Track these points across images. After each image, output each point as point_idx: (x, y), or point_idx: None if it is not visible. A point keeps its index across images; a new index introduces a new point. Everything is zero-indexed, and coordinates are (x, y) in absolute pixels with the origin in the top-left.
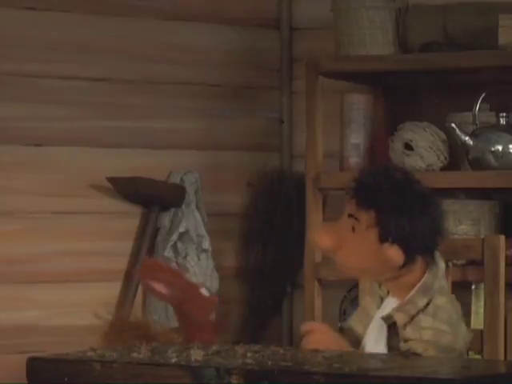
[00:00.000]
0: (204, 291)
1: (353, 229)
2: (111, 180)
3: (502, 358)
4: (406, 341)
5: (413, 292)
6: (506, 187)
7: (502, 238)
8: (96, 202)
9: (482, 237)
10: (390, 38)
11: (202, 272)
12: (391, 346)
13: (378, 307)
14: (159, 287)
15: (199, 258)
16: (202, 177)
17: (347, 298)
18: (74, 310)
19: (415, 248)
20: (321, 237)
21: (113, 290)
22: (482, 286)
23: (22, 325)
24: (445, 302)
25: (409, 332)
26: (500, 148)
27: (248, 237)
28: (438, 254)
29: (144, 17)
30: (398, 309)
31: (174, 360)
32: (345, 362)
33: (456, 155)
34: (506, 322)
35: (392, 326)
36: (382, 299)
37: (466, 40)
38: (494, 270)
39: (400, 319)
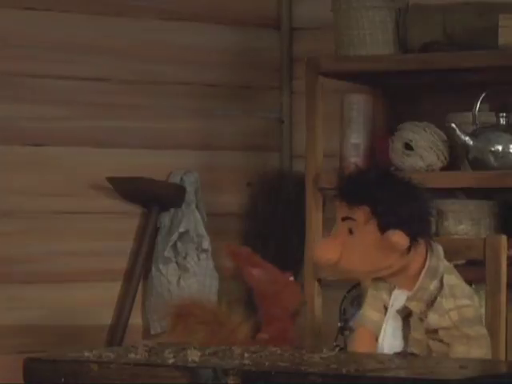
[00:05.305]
0: (292, 278)
1: (350, 231)
2: (111, 180)
3: (502, 358)
4: (435, 330)
5: (420, 278)
6: (506, 187)
7: (504, 238)
8: (96, 201)
9: (482, 237)
10: (390, 38)
11: (202, 272)
12: (408, 338)
13: (388, 296)
14: (256, 272)
15: (199, 258)
16: (201, 177)
17: (347, 297)
18: (74, 309)
19: (415, 231)
20: (322, 251)
21: (113, 290)
22: (482, 286)
23: (22, 325)
24: (454, 278)
25: (435, 319)
26: (500, 148)
27: (248, 237)
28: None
29: (144, 17)
30: (411, 298)
31: (171, 361)
32: (342, 362)
33: (456, 155)
34: (507, 322)
35: (406, 317)
36: (390, 292)
37: (466, 40)
38: (496, 271)
39: (416, 307)
